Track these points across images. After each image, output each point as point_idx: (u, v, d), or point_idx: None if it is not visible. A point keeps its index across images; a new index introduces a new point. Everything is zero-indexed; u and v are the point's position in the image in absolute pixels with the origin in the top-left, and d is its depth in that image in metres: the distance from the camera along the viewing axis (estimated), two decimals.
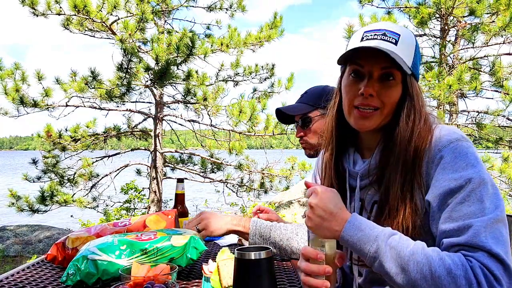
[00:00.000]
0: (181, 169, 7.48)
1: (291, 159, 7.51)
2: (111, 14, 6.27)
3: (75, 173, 6.95)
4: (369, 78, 1.09)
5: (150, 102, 7.26)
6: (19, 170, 7.31)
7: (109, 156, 7.18)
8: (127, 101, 6.55)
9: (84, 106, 6.64)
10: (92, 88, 6.04)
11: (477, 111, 7.03)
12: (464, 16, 6.63)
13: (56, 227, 7.82)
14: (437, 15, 6.72)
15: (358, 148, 1.23)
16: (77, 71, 6.40)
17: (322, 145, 1.30)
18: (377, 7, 7.38)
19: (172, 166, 7.45)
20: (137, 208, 8.09)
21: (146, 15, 5.75)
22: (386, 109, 1.09)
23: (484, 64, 6.80)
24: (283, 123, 2.10)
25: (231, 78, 7.26)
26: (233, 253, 1.07)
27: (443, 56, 6.94)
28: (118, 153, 7.28)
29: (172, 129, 7.56)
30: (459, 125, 6.92)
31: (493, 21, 6.33)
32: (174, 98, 7.24)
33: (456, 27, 6.97)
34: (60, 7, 6.24)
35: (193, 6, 7.24)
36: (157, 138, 6.91)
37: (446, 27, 6.86)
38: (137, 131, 7.34)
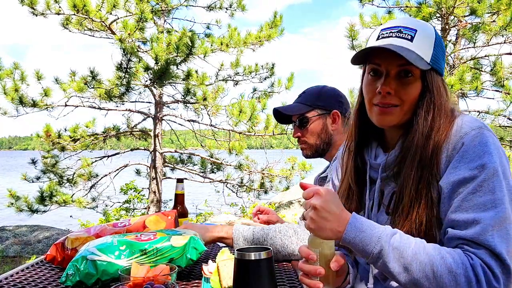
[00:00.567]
0: (180, 169, 7.48)
1: (291, 159, 7.51)
2: (111, 14, 6.27)
3: (74, 173, 6.94)
4: (386, 76, 1.10)
5: (149, 102, 7.26)
6: (19, 170, 7.30)
7: (108, 156, 7.18)
8: (126, 101, 6.55)
9: (84, 106, 6.64)
10: (92, 88, 6.04)
11: (478, 111, 7.03)
12: (465, 16, 6.63)
13: (55, 227, 7.82)
14: (438, 15, 6.72)
15: (382, 143, 1.25)
16: (76, 71, 6.40)
17: (345, 140, 1.32)
18: (377, 6, 7.38)
19: (172, 166, 7.45)
20: (136, 209, 8.10)
21: (146, 14, 5.75)
22: (405, 105, 1.11)
23: (485, 64, 6.81)
24: (281, 123, 2.11)
25: (231, 77, 7.26)
26: (233, 254, 1.07)
27: None
28: (118, 153, 7.28)
29: (172, 129, 7.56)
30: None
31: (494, 21, 6.33)
32: (173, 98, 7.23)
33: (457, 27, 6.97)
34: (60, 7, 6.23)
35: (192, 6, 7.25)
36: (156, 138, 6.91)
37: (447, 27, 6.86)
38: (137, 131, 7.33)
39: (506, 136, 7.05)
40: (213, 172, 7.47)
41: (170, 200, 8.06)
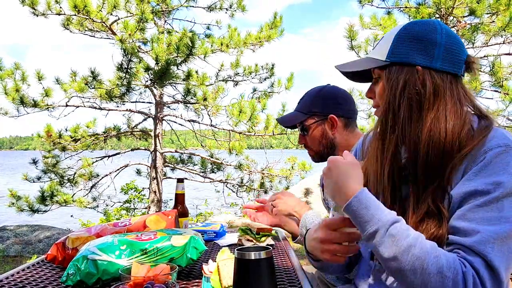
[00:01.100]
0: (181, 169, 7.48)
1: (291, 159, 7.51)
2: (111, 14, 6.27)
3: (75, 173, 6.95)
4: (371, 84, 1.22)
5: (150, 102, 7.27)
6: (19, 170, 7.30)
7: (109, 156, 7.19)
8: (127, 101, 6.55)
9: (84, 106, 6.64)
10: (92, 88, 6.04)
11: None
12: (464, 16, 6.62)
13: (56, 227, 7.82)
14: (437, 15, 6.72)
15: None
16: (77, 71, 6.40)
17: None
18: (377, 7, 7.37)
19: (172, 166, 7.45)
20: (137, 208, 8.10)
21: (146, 15, 5.75)
22: (380, 104, 1.17)
23: (484, 64, 6.79)
24: (290, 129, 2.19)
25: (231, 78, 7.26)
26: (233, 253, 1.07)
27: None
28: (118, 153, 7.28)
29: (172, 129, 7.56)
30: None
31: (493, 21, 6.32)
32: (174, 98, 7.24)
33: (456, 27, 6.97)
34: (60, 7, 6.24)
35: (193, 6, 7.25)
36: (157, 138, 6.91)
37: None
38: (137, 131, 7.34)
39: None
40: (213, 172, 7.48)
41: (170, 199, 8.07)
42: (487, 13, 6.40)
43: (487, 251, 0.91)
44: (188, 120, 7.18)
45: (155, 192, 6.95)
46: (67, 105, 6.59)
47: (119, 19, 6.49)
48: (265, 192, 7.48)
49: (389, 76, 1.11)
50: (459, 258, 0.93)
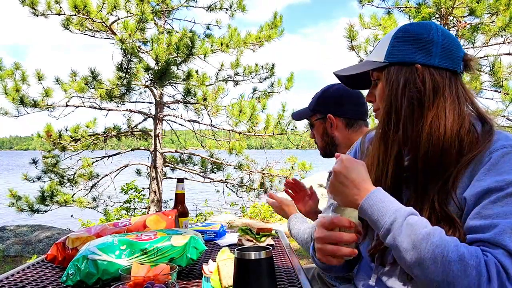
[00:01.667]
0: (181, 169, 7.48)
1: (291, 159, 7.52)
2: (111, 14, 6.27)
3: (75, 173, 6.95)
4: (370, 88, 1.22)
5: (150, 102, 7.27)
6: (19, 170, 7.30)
7: (109, 156, 7.19)
8: (127, 101, 6.55)
9: (84, 106, 6.64)
10: (92, 88, 6.04)
11: None
12: (464, 16, 6.62)
13: (56, 227, 7.82)
14: (437, 15, 6.72)
15: None
16: (77, 71, 6.40)
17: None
18: (377, 7, 7.37)
19: (172, 166, 7.45)
20: (137, 208, 8.10)
21: (146, 15, 5.75)
22: (380, 106, 1.16)
23: (484, 64, 6.79)
24: (297, 121, 2.31)
25: (231, 78, 7.26)
26: (233, 253, 1.08)
27: None
28: (118, 153, 7.28)
29: (172, 129, 7.56)
30: None
31: (493, 21, 6.32)
32: (174, 98, 7.24)
33: (456, 27, 6.97)
34: (60, 7, 6.24)
35: (193, 6, 7.24)
36: (157, 138, 6.91)
37: (446, 27, 6.86)
38: (137, 131, 7.34)
39: None
40: (213, 172, 7.48)
41: (170, 199, 8.07)
42: (487, 13, 6.40)
43: (506, 240, 0.89)
44: (188, 120, 7.18)
45: (155, 192, 6.95)
46: (67, 105, 6.59)
47: (119, 19, 6.49)
48: (265, 192, 7.48)
49: (389, 77, 1.11)
50: (480, 248, 0.92)
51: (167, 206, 8.02)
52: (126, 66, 5.64)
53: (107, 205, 7.55)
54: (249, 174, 7.43)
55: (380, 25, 6.91)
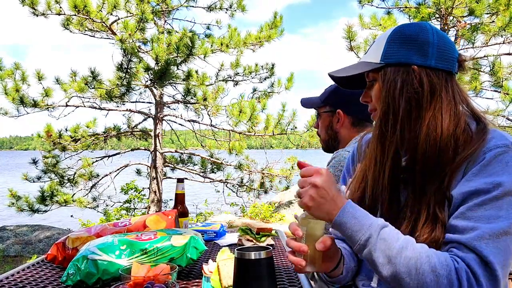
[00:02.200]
0: (181, 169, 7.48)
1: (291, 159, 7.52)
2: (111, 14, 6.28)
3: (75, 173, 6.95)
4: (365, 88, 1.22)
5: (150, 102, 7.27)
6: (19, 170, 7.31)
7: (109, 156, 7.19)
8: (127, 101, 6.56)
9: (84, 106, 6.64)
10: (92, 88, 6.04)
11: None
12: (463, 16, 6.63)
13: (56, 227, 7.82)
14: (437, 15, 6.72)
15: None
16: (77, 71, 6.41)
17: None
18: (376, 7, 7.38)
19: (172, 166, 7.45)
20: (137, 208, 8.10)
21: (146, 15, 5.75)
22: (377, 107, 1.16)
23: (484, 64, 6.80)
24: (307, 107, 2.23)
25: (231, 78, 7.27)
26: (233, 253, 1.08)
27: None
28: (118, 153, 7.29)
29: (172, 129, 7.57)
30: None
31: (493, 21, 6.33)
32: (174, 98, 7.24)
33: (456, 27, 6.97)
34: (60, 7, 6.24)
35: (193, 6, 7.25)
36: (157, 138, 6.91)
37: (445, 27, 6.86)
38: (137, 131, 7.34)
39: None
40: (213, 172, 7.48)
41: (170, 199, 8.07)
42: (487, 13, 6.40)
43: (482, 247, 0.91)
44: (188, 120, 7.18)
45: (155, 192, 6.95)
46: (67, 105, 6.59)
47: (119, 19, 6.49)
48: (265, 192, 7.48)
49: (385, 78, 1.11)
50: (451, 255, 0.94)
51: (167, 206, 8.02)
52: (126, 66, 5.65)
53: (107, 205, 7.55)
54: (249, 174, 7.44)
55: (380, 25, 6.92)
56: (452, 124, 1.06)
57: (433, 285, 0.91)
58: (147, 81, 6.26)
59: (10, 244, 6.71)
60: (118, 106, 6.89)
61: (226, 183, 7.49)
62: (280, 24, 7.14)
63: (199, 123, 7.19)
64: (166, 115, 7.17)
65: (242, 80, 7.34)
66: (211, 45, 6.81)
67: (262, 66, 7.30)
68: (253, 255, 1.00)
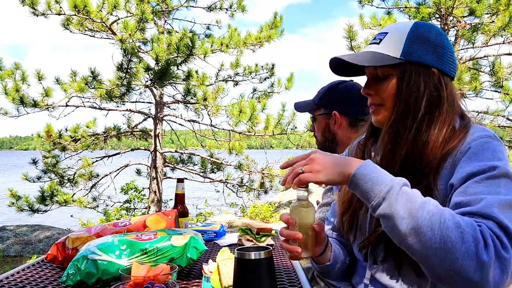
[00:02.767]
0: (181, 169, 7.48)
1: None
2: (111, 14, 6.28)
3: (75, 173, 6.95)
4: (367, 80, 1.18)
5: (150, 102, 7.27)
6: (19, 170, 7.31)
7: (109, 156, 7.19)
8: (127, 101, 6.56)
9: (84, 106, 6.64)
10: (92, 88, 6.04)
11: (477, 111, 7.03)
12: (463, 16, 6.63)
13: (56, 227, 7.82)
14: (437, 15, 6.72)
15: None
16: (77, 71, 6.41)
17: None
18: (377, 7, 7.39)
19: (172, 166, 7.45)
20: (137, 208, 8.10)
21: (146, 15, 5.75)
22: (388, 103, 1.14)
23: (484, 64, 6.80)
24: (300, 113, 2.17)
25: (231, 78, 7.27)
26: (233, 253, 1.08)
27: None
28: (118, 153, 7.29)
29: (172, 129, 7.57)
30: None
31: (493, 21, 6.33)
32: (174, 98, 7.24)
33: (456, 27, 6.97)
34: (60, 7, 6.24)
35: (193, 6, 7.25)
36: (157, 138, 6.91)
37: (446, 27, 6.86)
38: (137, 131, 7.34)
39: (505, 137, 7.06)
40: (213, 172, 7.48)
41: (170, 199, 8.07)
42: (487, 13, 6.40)
43: (495, 213, 0.89)
44: (188, 120, 7.18)
45: (155, 192, 6.95)
46: (67, 105, 6.59)
47: (119, 19, 6.49)
48: (265, 192, 7.48)
49: (406, 76, 1.10)
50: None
51: (167, 206, 8.02)
52: (126, 66, 5.65)
53: (107, 205, 7.55)
54: (249, 174, 7.43)
55: (380, 25, 6.92)
56: (451, 129, 1.08)
57: (458, 242, 0.86)
58: (147, 81, 6.26)
59: (10, 244, 6.71)
60: (118, 106, 6.89)
61: (226, 183, 7.49)
62: (280, 24, 7.14)
63: (199, 123, 7.19)
64: (166, 115, 7.17)
65: (242, 80, 7.34)
66: (211, 45, 6.81)
67: (262, 66, 7.30)
68: (253, 255, 1.00)
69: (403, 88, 1.10)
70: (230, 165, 7.35)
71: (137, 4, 6.14)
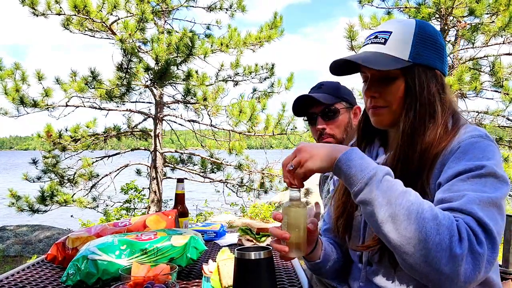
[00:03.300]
0: (181, 169, 7.48)
1: None
2: (111, 14, 6.27)
3: (75, 173, 6.95)
4: (370, 81, 1.14)
5: (150, 102, 7.27)
6: (19, 170, 7.31)
7: (109, 156, 7.19)
8: (127, 101, 6.55)
9: (84, 106, 6.64)
10: (92, 88, 6.04)
11: (477, 111, 7.04)
12: (463, 16, 6.63)
13: (56, 227, 7.83)
14: (437, 15, 6.72)
15: (385, 142, 1.25)
16: (77, 71, 6.40)
17: (348, 138, 1.32)
18: (376, 7, 7.39)
19: (172, 166, 7.45)
20: (137, 208, 8.10)
21: (146, 15, 5.75)
22: (393, 106, 1.12)
23: (484, 64, 6.81)
24: (297, 115, 1.95)
25: (231, 78, 7.26)
26: (233, 253, 1.08)
27: None
28: (118, 153, 7.29)
29: (172, 129, 7.57)
30: None
31: (493, 21, 6.33)
32: (174, 98, 7.24)
33: (456, 27, 6.98)
34: (60, 7, 6.24)
35: (193, 6, 7.25)
36: (157, 138, 6.91)
37: (446, 27, 6.87)
38: (137, 131, 7.34)
39: (505, 137, 7.06)
40: (213, 172, 7.47)
41: (170, 199, 8.07)
42: (487, 13, 6.41)
43: (475, 209, 0.89)
44: (188, 120, 7.18)
45: (155, 192, 6.95)
46: (67, 105, 6.59)
47: (119, 19, 6.49)
48: (265, 192, 7.48)
49: (415, 79, 1.09)
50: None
51: (167, 206, 8.02)
52: (126, 66, 5.65)
53: (107, 205, 7.55)
54: (249, 174, 7.43)
55: (380, 25, 6.91)
56: (445, 127, 1.08)
57: (433, 233, 0.86)
58: (147, 81, 6.26)
59: (10, 244, 6.71)
60: (118, 106, 6.88)
61: (226, 183, 7.49)
62: (280, 24, 7.14)
63: (199, 123, 7.19)
64: (166, 115, 7.17)
65: (242, 80, 7.33)
66: (211, 45, 6.81)
67: (262, 66, 7.30)
68: (253, 255, 1.00)
69: (415, 91, 1.09)
70: (230, 165, 7.35)
71: (137, 4, 6.14)
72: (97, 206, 7.18)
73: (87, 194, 7.03)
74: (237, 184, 7.47)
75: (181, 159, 7.59)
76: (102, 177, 7.09)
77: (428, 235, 0.86)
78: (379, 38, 1.12)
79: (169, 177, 7.51)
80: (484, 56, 6.82)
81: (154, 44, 5.89)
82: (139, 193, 8.32)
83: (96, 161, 7.12)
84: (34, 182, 6.85)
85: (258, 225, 1.85)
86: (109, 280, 1.26)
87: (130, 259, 1.27)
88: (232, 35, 6.90)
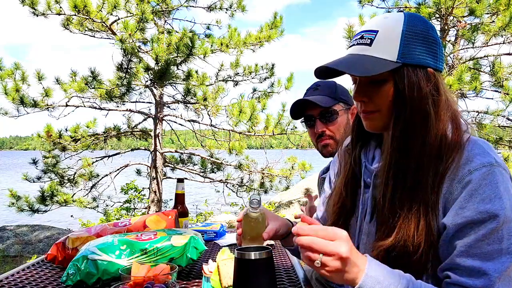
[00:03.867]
0: (181, 169, 7.48)
1: (291, 159, 7.51)
2: (111, 14, 6.27)
3: (75, 173, 6.95)
4: (358, 86, 1.09)
5: (150, 102, 7.27)
6: (19, 170, 7.31)
7: (109, 156, 7.19)
8: (127, 101, 6.55)
9: (84, 106, 6.64)
10: (92, 88, 6.04)
11: (477, 111, 7.03)
12: (464, 16, 6.63)
13: (56, 227, 7.83)
14: (437, 15, 6.72)
15: (381, 145, 1.19)
16: (77, 71, 6.41)
17: (343, 140, 1.32)
18: (376, 7, 7.39)
19: (172, 166, 7.45)
20: (137, 208, 8.10)
21: (146, 15, 5.75)
22: (383, 109, 1.06)
23: (484, 64, 6.80)
24: (294, 119, 1.92)
25: (231, 78, 7.27)
26: (233, 253, 1.08)
27: None
28: (118, 153, 7.29)
29: (172, 129, 7.57)
30: None
31: (493, 21, 6.33)
32: (174, 98, 7.24)
33: (456, 27, 6.97)
34: (60, 7, 6.24)
35: (193, 6, 7.24)
36: (157, 138, 6.91)
37: (446, 27, 6.86)
38: (137, 131, 7.34)
39: (505, 136, 7.05)
40: (213, 172, 7.48)
41: (170, 199, 8.07)
42: (487, 13, 6.41)
43: None
44: (188, 120, 7.18)
45: (155, 192, 6.95)
46: (67, 105, 6.59)
47: (119, 19, 6.49)
48: (265, 192, 7.48)
49: (406, 80, 1.01)
50: None
51: (167, 206, 8.02)
52: (126, 66, 5.65)
53: (107, 205, 7.55)
54: (249, 174, 7.43)
55: None
56: (446, 133, 1.02)
57: None
58: (147, 81, 6.26)
59: (10, 244, 6.71)
60: (118, 106, 6.88)
61: (226, 183, 7.49)
62: (280, 24, 7.14)
63: (199, 123, 7.19)
64: (166, 115, 7.17)
65: (242, 80, 7.34)
66: (211, 45, 6.81)
67: (262, 66, 7.30)
68: (253, 255, 1.00)
69: (404, 93, 1.01)
70: (230, 165, 7.35)
71: (137, 4, 6.14)
72: (97, 206, 7.18)
73: (87, 194, 7.03)
74: (237, 184, 7.47)
75: (181, 159, 7.59)
76: (102, 177, 7.09)
77: None
78: (365, 39, 1.05)
79: (169, 177, 7.52)
80: (484, 56, 6.82)
81: (154, 44, 5.89)
82: (139, 193, 8.32)
83: (96, 161, 7.13)
84: (34, 182, 6.85)
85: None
86: (109, 280, 1.26)
87: (130, 259, 1.27)
88: (232, 35, 6.90)
